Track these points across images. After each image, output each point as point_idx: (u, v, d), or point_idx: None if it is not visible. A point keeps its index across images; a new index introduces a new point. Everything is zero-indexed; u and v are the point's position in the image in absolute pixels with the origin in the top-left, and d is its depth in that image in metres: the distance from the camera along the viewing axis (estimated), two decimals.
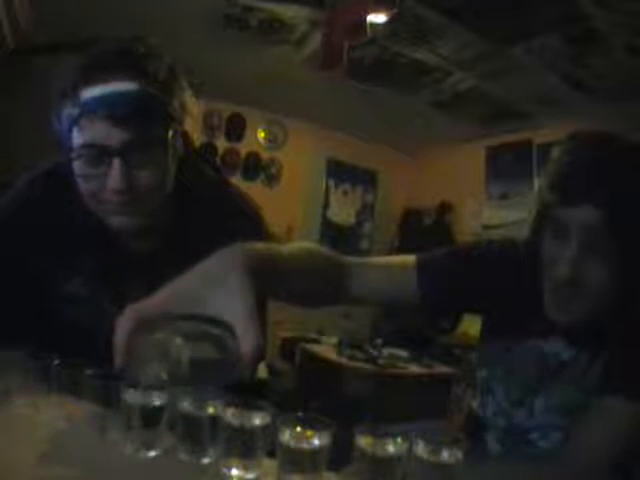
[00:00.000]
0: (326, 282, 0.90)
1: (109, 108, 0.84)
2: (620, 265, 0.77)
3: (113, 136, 0.85)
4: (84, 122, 0.85)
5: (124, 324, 0.56)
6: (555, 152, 0.83)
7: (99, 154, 0.86)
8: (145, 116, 0.86)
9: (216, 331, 0.56)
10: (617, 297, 0.80)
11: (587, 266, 0.77)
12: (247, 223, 1.02)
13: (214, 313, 0.56)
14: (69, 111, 0.86)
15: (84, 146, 0.86)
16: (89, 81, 0.85)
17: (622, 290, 0.79)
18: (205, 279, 0.59)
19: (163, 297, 0.58)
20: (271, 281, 0.73)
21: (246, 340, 0.55)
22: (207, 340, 0.56)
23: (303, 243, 0.90)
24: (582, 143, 0.83)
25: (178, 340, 0.55)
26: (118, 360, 0.55)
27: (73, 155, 0.87)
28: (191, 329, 0.56)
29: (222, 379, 0.57)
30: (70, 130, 0.87)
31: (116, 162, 0.85)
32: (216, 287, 0.58)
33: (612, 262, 0.77)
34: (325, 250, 0.93)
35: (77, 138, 0.87)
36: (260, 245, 0.72)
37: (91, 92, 0.84)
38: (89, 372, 0.62)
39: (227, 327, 0.55)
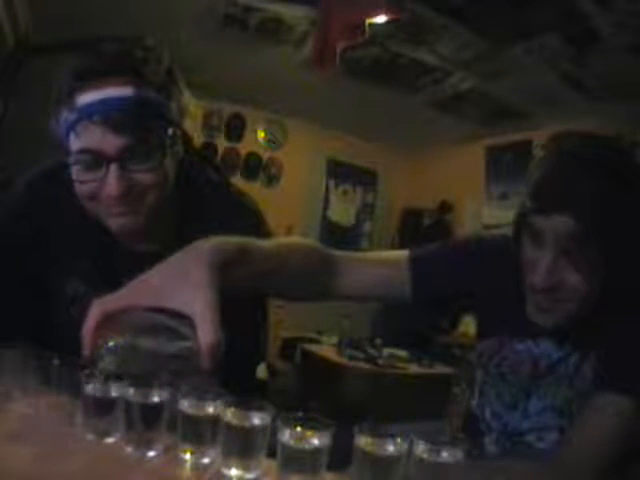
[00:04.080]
0: (313, 276, 0.89)
1: (105, 114, 0.83)
2: (602, 271, 0.76)
3: (110, 142, 0.84)
4: (80, 128, 0.85)
5: (91, 317, 0.59)
6: (535, 159, 0.83)
7: (96, 160, 0.85)
8: (142, 121, 0.86)
9: (175, 323, 0.59)
10: (603, 299, 0.79)
11: (563, 272, 0.77)
12: (248, 223, 1.02)
13: (175, 306, 0.59)
14: (66, 116, 0.86)
15: (81, 151, 0.86)
16: (85, 86, 0.84)
17: (608, 293, 0.79)
18: (169, 273, 0.62)
19: (128, 291, 0.62)
20: (249, 275, 0.74)
21: (203, 332, 0.57)
22: (166, 332, 0.59)
23: (292, 237, 0.90)
24: (560, 152, 0.82)
25: (129, 337, 0.59)
26: (86, 352, 0.59)
27: (71, 160, 0.87)
28: (152, 321, 0.59)
29: (182, 370, 0.60)
30: (67, 135, 0.87)
31: (113, 168, 0.85)
32: (179, 281, 0.60)
33: (592, 268, 0.76)
34: (315, 244, 0.92)
35: (74, 143, 0.86)
36: (233, 239, 0.72)
37: (87, 98, 0.84)
38: (88, 372, 0.62)
39: (187, 319, 0.58)
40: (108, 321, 0.60)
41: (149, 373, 0.60)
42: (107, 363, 0.59)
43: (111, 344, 0.59)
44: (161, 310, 0.60)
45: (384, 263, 0.96)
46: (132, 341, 0.59)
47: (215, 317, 0.58)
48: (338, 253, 0.93)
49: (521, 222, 0.82)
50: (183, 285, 0.60)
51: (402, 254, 0.96)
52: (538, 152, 0.84)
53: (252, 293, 0.86)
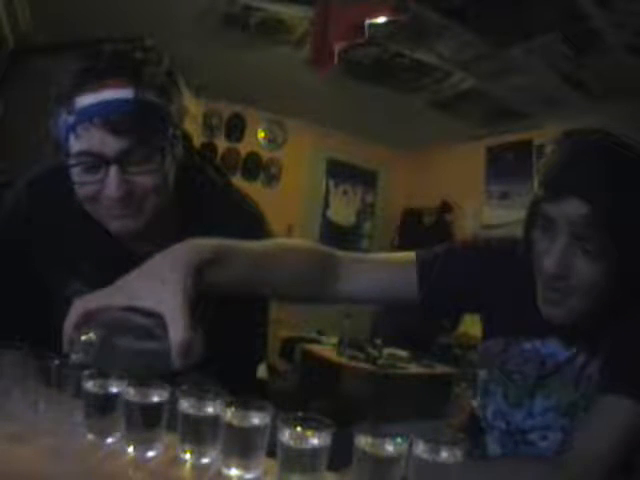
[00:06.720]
0: (314, 277, 0.88)
1: (105, 116, 0.83)
2: (613, 260, 0.77)
3: (109, 144, 0.84)
4: (80, 130, 0.84)
5: (71, 314, 0.63)
6: (547, 151, 0.84)
7: (95, 162, 0.85)
8: (142, 123, 0.85)
9: (148, 322, 0.62)
10: (613, 294, 0.80)
11: (575, 260, 0.77)
12: (249, 225, 1.02)
13: (149, 306, 0.62)
14: (65, 118, 0.86)
15: (80, 154, 0.86)
16: (84, 89, 0.84)
17: (618, 287, 0.79)
18: (147, 274, 0.66)
19: (108, 291, 0.65)
20: (235, 275, 0.76)
21: (173, 331, 0.60)
22: (139, 331, 0.62)
23: (293, 239, 0.89)
24: (571, 140, 0.83)
25: (102, 334, 0.62)
26: (65, 347, 0.63)
27: (70, 162, 0.87)
28: (126, 320, 0.62)
29: (154, 368, 0.62)
30: (67, 137, 0.86)
31: (113, 170, 0.84)
32: (153, 282, 0.64)
33: (603, 256, 0.76)
34: (316, 245, 0.91)
35: (74, 145, 0.86)
36: (213, 241, 0.74)
37: (86, 100, 0.84)
38: (88, 372, 0.62)
39: (159, 318, 0.61)
40: (88, 319, 0.63)
41: (120, 370, 0.62)
42: (78, 357, 0.62)
43: (84, 338, 0.61)
44: (138, 310, 0.62)
45: (389, 265, 0.95)
46: (105, 338, 0.61)
47: (185, 317, 0.61)
48: (341, 254, 0.92)
49: (533, 213, 0.83)
50: (157, 286, 0.63)
51: (408, 256, 0.95)
52: (548, 147, 0.85)
53: (249, 294, 0.86)
